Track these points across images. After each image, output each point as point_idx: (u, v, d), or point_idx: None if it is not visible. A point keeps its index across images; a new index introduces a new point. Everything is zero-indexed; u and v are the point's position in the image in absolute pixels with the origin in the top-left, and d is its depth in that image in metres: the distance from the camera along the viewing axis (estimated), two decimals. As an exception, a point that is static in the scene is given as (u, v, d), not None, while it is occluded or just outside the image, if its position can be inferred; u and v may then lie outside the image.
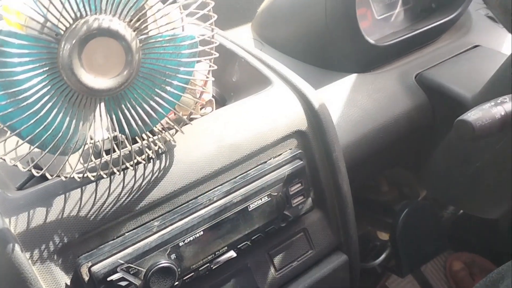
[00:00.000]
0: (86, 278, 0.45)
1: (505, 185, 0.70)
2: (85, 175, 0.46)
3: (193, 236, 0.50)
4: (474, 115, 0.49)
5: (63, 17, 0.39)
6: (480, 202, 0.75)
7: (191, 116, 0.56)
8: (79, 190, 0.47)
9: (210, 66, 0.51)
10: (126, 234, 0.48)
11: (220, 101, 0.69)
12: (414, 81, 0.75)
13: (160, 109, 0.46)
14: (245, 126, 0.56)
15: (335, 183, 0.61)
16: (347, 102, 0.70)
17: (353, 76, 0.74)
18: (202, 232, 0.50)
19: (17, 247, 0.43)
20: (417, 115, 0.73)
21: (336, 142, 0.60)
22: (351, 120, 0.68)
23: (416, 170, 0.82)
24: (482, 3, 0.92)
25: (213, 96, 0.65)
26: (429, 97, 0.74)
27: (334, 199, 0.62)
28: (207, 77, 0.52)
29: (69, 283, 0.46)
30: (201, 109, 0.61)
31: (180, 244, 0.49)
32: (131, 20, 0.42)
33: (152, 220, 0.50)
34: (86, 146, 0.46)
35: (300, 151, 0.58)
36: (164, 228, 0.49)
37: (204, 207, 0.51)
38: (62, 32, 0.39)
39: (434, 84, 0.73)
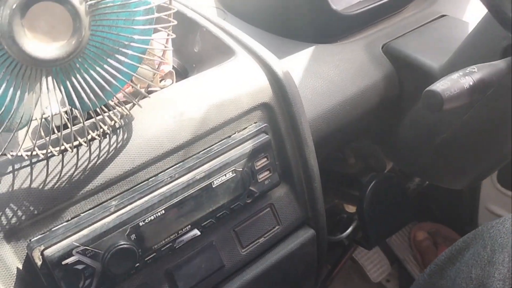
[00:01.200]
0: (39, 262, 0.42)
1: (471, 155, 0.70)
2: (34, 152, 0.43)
3: (154, 215, 0.47)
4: (442, 85, 0.48)
5: (0, -22, 0.35)
6: (447, 173, 0.75)
7: (150, 89, 0.53)
8: (28, 168, 0.44)
9: (168, 34, 0.48)
10: (82, 215, 0.45)
11: (182, 73, 0.66)
12: (381, 52, 0.73)
13: (114, 82, 0.43)
14: (207, 99, 0.54)
15: (301, 157, 0.60)
16: (313, 73, 0.68)
17: (320, 46, 0.72)
18: (163, 211, 0.48)
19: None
20: (384, 86, 0.72)
21: (302, 114, 0.58)
22: (317, 92, 0.66)
23: (383, 142, 0.82)
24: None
25: (173, 68, 0.62)
26: (396, 68, 0.73)
27: (301, 173, 0.61)
28: (166, 47, 0.48)
29: (21, 268, 0.43)
30: (160, 81, 0.57)
31: (140, 224, 0.47)
32: (78, -17, 0.38)
33: (110, 199, 0.47)
34: (35, 122, 0.43)
35: (265, 124, 0.56)
36: (123, 207, 0.46)
37: (165, 185, 0.49)
38: (-1, -4, 0.35)
39: (401, 54, 0.72)
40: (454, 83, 0.48)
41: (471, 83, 0.49)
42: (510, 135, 0.64)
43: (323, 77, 0.68)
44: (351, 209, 0.94)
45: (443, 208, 1.27)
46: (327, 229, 0.67)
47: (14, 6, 0.35)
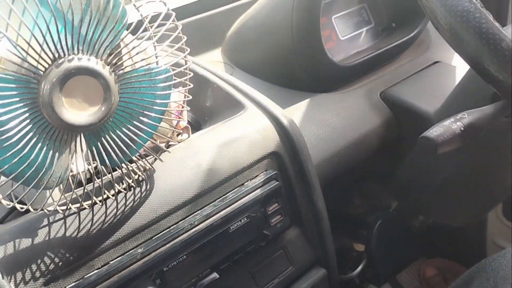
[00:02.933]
0: (74, 309, 0.46)
1: (469, 194, 0.73)
2: (68, 207, 0.47)
3: (177, 261, 0.51)
4: (435, 132, 0.52)
5: (42, 58, 0.40)
6: (447, 210, 0.78)
7: (169, 144, 0.58)
8: (62, 222, 0.48)
9: (185, 96, 0.53)
10: (111, 262, 0.49)
11: (195, 125, 0.71)
12: (379, 99, 0.78)
13: (138, 140, 0.48)
14: (220, 151, 0.58)
15: (310, 200, 0.64)
16: (317, 120, 0.72)
17: (321, 95, 0.78)
18: (185, 256, 0.52)
19: (4, 282, 0.43)
20: (384, 131, 0.76)
21: (309, 161, 0.63)
22: (322, 139, 0.70)
23: (386, 182, 0.86)
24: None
25: (188, 122, 0.67)
26: (394, 113, 0.77)
27: (310, 216, 0.65)
28: (183, 107, 0.54)
29: (56, 315, 0.47)
30: (177, 135, 0.62)
31: (164, 269, 0.50)
32: (108, 57, 0.44)
33: (136, 247, 0.51)
34: (68, 179, 0.47)
35: (275, 172, 0.60)
36: (148, 254, 0.50)
37: (186, 232, 0.53)
38: (42, 73, 0.41)
39: (398, 101, 0.77)
40: (446, 129, 0.52)
41: (462, 129, 0.53)
42: (505, 173, 0.68)
43: (326, 124, 0.72)
44: (360, 247, 0.97)
45: (451, 244, 1.28)
46: (338, 268, 0.70)
47: (54, 80, 0.41)
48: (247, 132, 0.61)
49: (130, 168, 0.51)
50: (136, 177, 0.52)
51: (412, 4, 0.88)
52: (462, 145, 0.54)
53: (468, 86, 0.66)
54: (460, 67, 0.83)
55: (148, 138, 0.49)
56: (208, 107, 0.71)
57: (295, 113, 0.73)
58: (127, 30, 0.46)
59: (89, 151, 0.46)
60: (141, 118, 0.48)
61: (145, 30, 0.47)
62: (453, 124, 0.53)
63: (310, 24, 0.73)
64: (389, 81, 0.81)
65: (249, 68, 0.84)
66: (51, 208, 0.46)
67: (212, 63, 0.87)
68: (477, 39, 0.45)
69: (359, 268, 0.86)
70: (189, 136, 0.62)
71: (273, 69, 0.81)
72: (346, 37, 0.88)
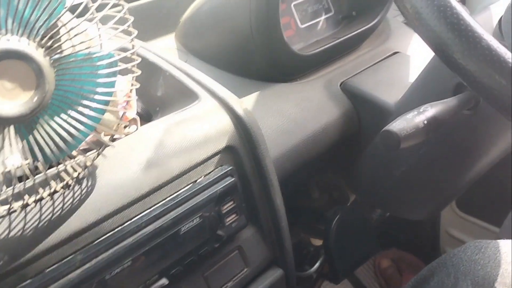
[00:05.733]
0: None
1: (428, 187, 0.72)
2: (-5, 210, 0.42)
3: (121, 267, 0.47)
4: (398, 125, 0.50)
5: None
6: (406, 204, 0.77)
7: (114, 137, 0.53)
8: (-12, 226, 0.42)
9: (132, 84, 0.48)
10: (46, 271, 0.44)
11: (146, 117, 0.65)
12: (339, 89, 0.76)
13: (77, 134, 0.43)
14: (172, 144, 0.54)
15: (267, 197, 0.60)
16: (275, 112, 0.69)
17: (280, 85, 0.74)
18: (130, 262, 0.47)
19: None
20: (344, 122, 0.74)
21: (267, 156, 0.59)
22: (280, 131, 0.67)
23: (346, 175, 0.84)
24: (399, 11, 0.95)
25: (137, 113, 0.62)
26: (354, 104, 0.75)
27: (267, 214, 0.61)
28: (130, 97, 0.49)
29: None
30: (125, 128, 0.57)
31: (107, 277, 0.46)
32: (42, 39, 0.38)
33: (74, 253, 0.46)
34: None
35: (231, 167, 0.56)
36: (88, 261, 0.45)
37: (132, 235, 0.48)
38: (-40, 56, 0.35)
39: (358, 91, 0.75)
40: (409, 122, 0.50)
41: (425, 122, 0.51)
42: (465, 167, 0.67)
43: (285, 115, 0.69)
44: (317, 242, 0.95)
45: (406, 235, 1.29)
46: (295, 263, 0.68)
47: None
48: (200, 125, 0.57)
49: (69, 165, 0.46)
50: (76, 174, 0.47)
51: (372, -8, 0.86)
52: (424, 139, 0.52)
53: (430, 77, 0.64)
54: (420, 58, 0.82)
55: (89, 132, 0.44)
56: (159, 97, 0.66)
57: (252, 103, 0.69)
58: (69, 12, 0.40)
59: (20, 145, 0.41)
60: (81, 109, 0.43)
61: (87, 10, 0.42)
62: (416, 118, 0.51)
63: (269, 9, 0.69)
64: (349, 71, 0.79)
65: (204, 55, 0.79)
66: (-26, 211, 0.41)
67: (165, 50, 0.81)
68: (442, 24, 0.42)
69: (317, 264, 0.84)
70: (137, 129, 0.56)
71: (230, 57, 0.77)
72: (305, 25, 0.85)
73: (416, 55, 0.84)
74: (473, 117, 0.60)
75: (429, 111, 0.52)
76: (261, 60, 0.74)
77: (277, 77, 0.75)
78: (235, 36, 0.75)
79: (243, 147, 0.58)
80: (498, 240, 0.59)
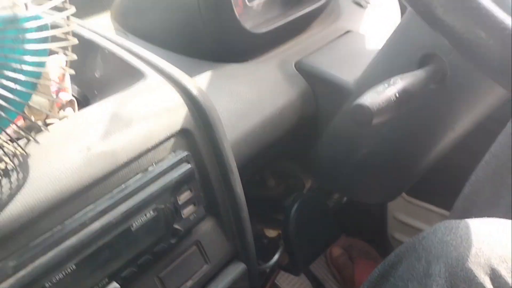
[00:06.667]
0: None
1: (390, 170, 0.70)
2: None
3: (63, 272, 0.39)
4: (370, 99, 0.46)
5: None
6: (367, 188, 0.75)
7: (48, 121, 0.45)
8: None
9: (67, 55, 0.41)
10: (-31, 284, 0.36)
11: (83, 101, 0.58)
12: (294, 69, 0.72)
13: (3, 114, 0.35)
14: (117, 128, 0.47)
15: (227, 185, 0.55)
16: (228, 93, 0.64)
17: (232, 65, 0.69)
18: (74, 266, 0.40)
19: None
20: (301, 104, 0.70)
21: (225, 139, 0.54)
22: (236, 114, 0.62)
23: (302, 160, 0.80)
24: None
25: (73, 96, 0.54)
26: (311, 84, 0.71)
27: (227, 204, 0.56)
28: (64, 70, 0.41)
29: None
30: (59, 111, 0.49)
31: (47, 285, 0.38)
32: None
33: (5, 259, 0.38)
34: None
35: (186, 153, 0.50)
36: (23, 267, 0.38)
37: (75, 234, 0.41)
38: None
39: (313, 71, 0.71)
40: (380, 95, 0.47)
41: (397, 94, 0.48)
42: (427, 147, 0.65)
43: (240, 97, 0.64)
44: (271, 233, 0.90)
45: (354, 222, 1.28)
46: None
47: None
48: (149, 105, 0.50)
49: (-7, 154, 0.38)
50: (3, 166, 0.39)
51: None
52: (395, 114, 0.49)
53: (393, 51, 0.61)
54: (372, 36, 0.79)
55: (18, 112, 0.37)
56: (97, 78, 0.58)
57: (203, 84, 0.63)
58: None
59: None
60: (5, 82, 0.35)
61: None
62: (387, 90, 0.47)
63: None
64: (303, 50, 0.75)
65: (147, 34, 0.72)
66: None
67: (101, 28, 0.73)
68: None
69: (276, 257, 0.79)
70: (74, 112, 0.49)
71: (175, 36, 0.70)
72: (253, 2, 0.79)
73: (368, 33, 0.82)
74: (438, 92, 0.57)
75: (399, 83, 0.49)
76: (210, 39, 0.68)
77: (228, 57, 0.69)
78: (181, 13, 0.68)
79: (198, 130, 0.52)
80: (468, 220, 0.57)
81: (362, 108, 0.45)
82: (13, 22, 0.34)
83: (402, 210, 1.21)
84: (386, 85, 0.48)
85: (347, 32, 0.82)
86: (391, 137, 0.64)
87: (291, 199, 0.76)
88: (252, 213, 0.71)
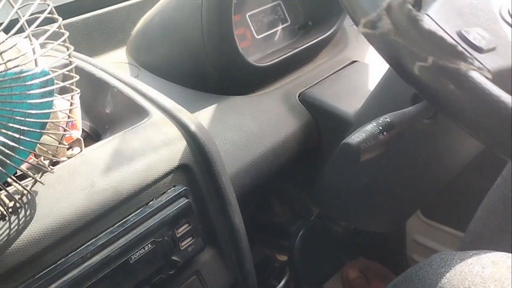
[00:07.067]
0: None
1: (391, 198, 0.71)
2: None
3: (65, 304, 0.42)
4: (358, 138, 0.48)
5: None
6: (370, 217, 0.76)
7: (55, 160, 0.49)
8: None
9: (71, 104, 0.44)
10: (-22, 314, 0.40)
11: (94, 136, 0.62)
12: (297, 101, 0.74)
13: (9, 162, 0.38)
14: (119, 166, 0.50)
15: (226, 217, 0.57)
16: (232, 125, 0.66)
17: (235, 98, 0.72)
18: (75, 298, 0.43)
19: None
20: (303, 134, 0.72)
21: (223, 173, 0.56)
22: (238, 145, 0.64)
23: (307, 188, 0.81)
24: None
25: (84, 131, 0.58)
26: (314, 115, 0.73)
27: (226, 234, 0.58)
28: (69, 117, 0.45)
29: None
30: (68, 149, 0.53)
31: (48, 316, 0.41)
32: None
33: (11, 291, 0.42)
34: None
35: (184, 187, 0.53)
36: (27, 299, 0.41)
37: (76, 267, 0.44)
38: None
39: (316, 102, 0.73)
40: (368, 134, 0.48)
41: (385, 133, 0.49)
42: (426, 177, 0.66)
43: (242, 129, 0.67)
44: (282, 257, 0.92)
45: (372, 244, 1.28)
46: (260, 282, 0.65)
47: None
48: (151, 143, 0.53)
49: (3, 194, 0.41)
50: (11, 204, 0.43)
51: (328, 2, 0.85)
52: (385, 151, 0.51)
53: (387, 87, 0.63)
54: (377, 66, 0.81)
55: (23, 159, 0.40)
56: (108, 114, 0.62)
57: (207, 117, 0.66)
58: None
59: None
60: (12, 134, 0.39)
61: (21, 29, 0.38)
62: (375, 129, 0.49)
63: (221, 20, 0.66)
64: (307, 82, 0.77)
65: (156, 69, 0.76)
66: None
67: (116, 64, 0.78)
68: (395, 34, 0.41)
69: (283, 282, 0.81)
70: (81, 150, 0.52)
71: (183, 70, 0.74)
72: (261, 35, 0.83)
73: (375, 63, 0.83)
74: (433, 126, 0.59)
75: (388, 122, 0.50)
76: (215, 73, 0.71)
77: (233, 90, 0.72)
78: (187, 49, 0.72)
79: (197, 166, 0.55)
80: (463, 252, 0.58)
81: (350, 147, 0.47)
82: (19, 79, 0.38)
83: (420, 232, 1.21)
84: (374, 124, 0.50)
85: (353, 62, 0.84)
86: (389, 167, 0.66)
87: (296, 226, 0.78)
88: (259, 238, 0.74)
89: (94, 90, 0.63)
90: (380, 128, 0.49)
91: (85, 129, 0.61)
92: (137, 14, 0.82)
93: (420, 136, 0.60)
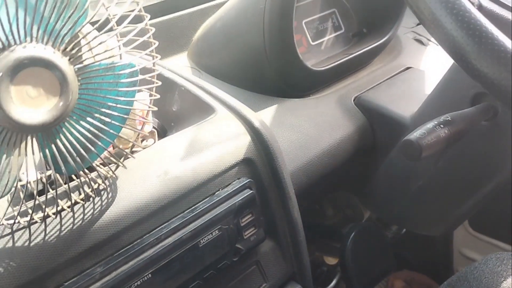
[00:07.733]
0: None
1: (446, 202, 0.71)
2: (16, 220, 0.41)
3: (141, 280, 0.46)
4: (419, 135, 0.49)
5: (-13, 46, 0.35)
6: (423, 219, 0.76)
7: (133, 149, 0.53)
8: (9, 237, 0.42)
9: (151, 95, 0.48)
10: (65, 284, 0.43)
11: (161, 132, 0.66)
12: (353, 104, 0.76)
13: (99, 143, 0.42)
14: (190, 157, 0.54)
15: (285, 211, 0.60)
16: (289, 126, 0.69)
17: (293, 100, 0.74)
18: (150, 275, 0.46)
19: None
20: (358, 137, 0.73)
21: (284, 168, 0.59)
22: (295, 145, 0.67)
23: (360, 191, 0.83)
24: (410, 27, 0.97)
25: (153, 127, 0.62)
26: (369, 119, 0.75)
27: (285, 227, 0.60)
28: (150, 107, 0.49)
29: None
30: (142, 141, 0.57)
31: (127, 290, 0.45)
32: (65, 48, 0.39)
33: (94, 265, 0.45)
34: (16, 189, 0.41)
35: (249, 180, 0.56)
36: (108, 274, 0.44)
37: (151, 247, 0.47)
38: (-14, 63, 0.35)
39: (372, 106, 0.75)
40: (430, 132, 0.50)
41: (446, 131, 0.51)
42: (483, 180, 0.66)
43: (299, 130, 0.69)
44: (331, 261, 0.93)
45: (419, 256, 1.27)
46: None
47: (2, 72, 0.35)
48: (218, 137, 0.57)
49: (90, 176, 0.45)
50: (96, 186, 0.47)
51: (382, 10, 0.87)
52: (445, 149, 0.52)
53: (447, 89, 0.64)
54: (433, 73, 0.82)
55: (111, 141, 0.44)
56: (174, 112, 0.66)
57: (267, 118, 0.69)
58: (89, 24, 0.41)
59: (42, 156, 0.40)
60: (103, 118, 0.42)
61: (108, 23, 0.42)
62: (437, 127, 0.51)
63: (283, 26, 0.69)
64: (362, 86, 0.79)
65: (217, 72, 0.80)
66: (-5, 222, 0.40)
67: (178, 67, 0.82)
68: (460, 29, 0.42)
69: (333, 283, 0.82)
70: (155, 142, 0.56)
71: (243, 73, 0.77)
72: (316, 42, 0.85)
73: (429, 70, 0.84)
74: (491, 128, 0.59)
75: (450, 120, 0.52)
76: (275, 76, 0.74)
77: (291, 93, 0.75)
78: (248, 53, 0.75)
79: (260, 160, 0.58)
80: None
81: (412, 143, 0.49)
82: (111, 69, 0.42)
83: (468, 245, 1.19)
84: (435, 122, 0.51)
85: (407, 68, 0.85)
86: (446, 170, 0.66)
87: (348, 228, 0.79)
88: (311, 240, 0.76)
89: (161, 89, 0.67)
90: (441, 125, 0.51)
91: (153, 125, 0.65)
92: (199, 21, 0.87)
93: (479, 138, 0.61)
